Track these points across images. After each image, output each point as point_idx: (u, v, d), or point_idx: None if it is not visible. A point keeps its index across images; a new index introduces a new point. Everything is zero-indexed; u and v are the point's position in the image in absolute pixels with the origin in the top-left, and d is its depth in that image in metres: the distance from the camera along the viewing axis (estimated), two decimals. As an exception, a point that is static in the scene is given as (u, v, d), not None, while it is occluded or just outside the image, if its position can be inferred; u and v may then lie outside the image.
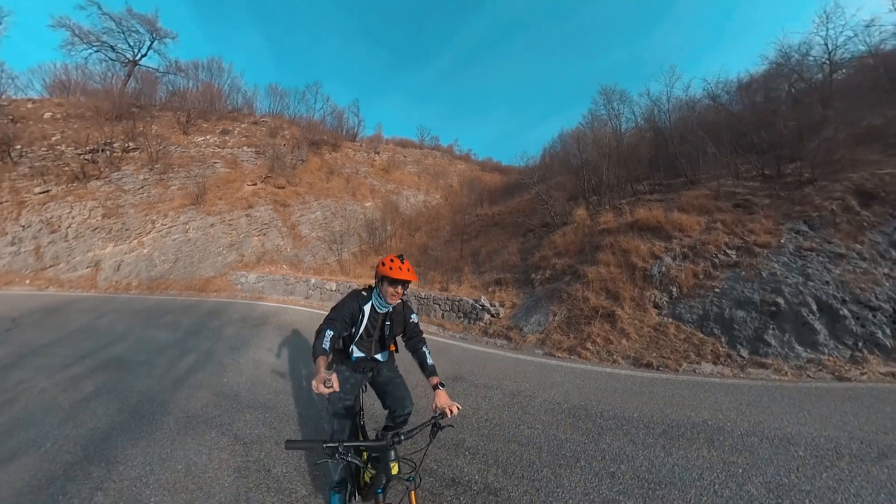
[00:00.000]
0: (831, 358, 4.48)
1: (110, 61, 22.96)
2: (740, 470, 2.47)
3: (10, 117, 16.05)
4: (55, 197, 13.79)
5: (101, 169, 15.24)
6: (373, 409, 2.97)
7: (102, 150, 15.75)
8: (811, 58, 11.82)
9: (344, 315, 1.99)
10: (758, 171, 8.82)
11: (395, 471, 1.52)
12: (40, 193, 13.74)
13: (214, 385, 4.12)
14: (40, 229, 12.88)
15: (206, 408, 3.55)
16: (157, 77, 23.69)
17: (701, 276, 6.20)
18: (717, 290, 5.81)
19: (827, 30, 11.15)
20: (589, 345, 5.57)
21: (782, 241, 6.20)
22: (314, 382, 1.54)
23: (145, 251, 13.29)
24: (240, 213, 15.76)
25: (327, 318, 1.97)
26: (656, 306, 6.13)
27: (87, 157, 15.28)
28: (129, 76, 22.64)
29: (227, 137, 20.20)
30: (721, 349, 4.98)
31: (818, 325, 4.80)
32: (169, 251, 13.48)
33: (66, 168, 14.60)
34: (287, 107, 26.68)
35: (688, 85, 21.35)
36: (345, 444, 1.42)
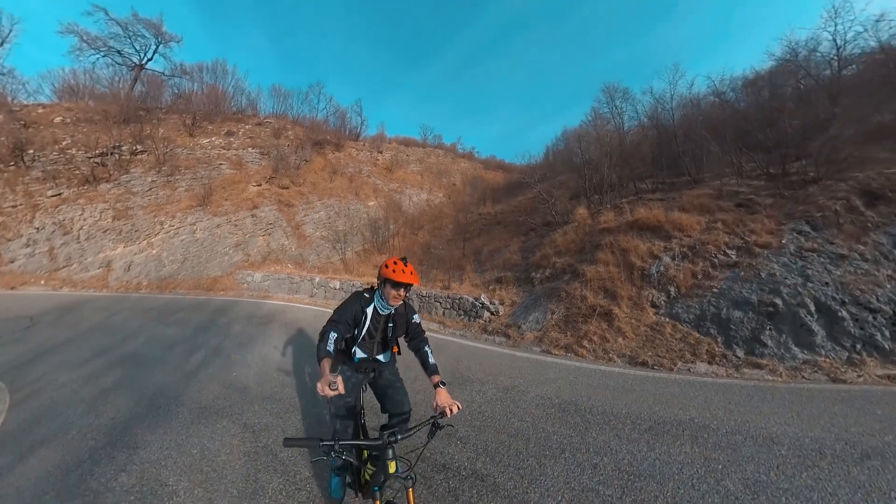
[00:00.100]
0: (828, 360, 4.47)
1: (117, 66, 23.42)
2: (720, 466, 2.53)
3: (22, 122, 16.47)
4: (67, 200, 14.17)
5: (111, 172, 15.60)
6: (375, 407, 3.12)
7: (111, 154, 16.11)
8: (819, 54, 11.57)
9: (347, 317, 2.00)
10: (762, 170, 8.73)
11: (392, 469, 1.54)
12: (53, 196, 14.13)
13: (224, 379, 4.33)
14: (53, 231, 13.27)
15: (217, 399, 3.76)
16: (163, 80, 24.09)
17: (700, 276, 6.21)
18: (715, 290, 5.81)
19: (835, 25, 10.91)
20: (585, 343, 5.65)
21: (783, 241, 6.16)
22: (319, 385, 1.57)
23: (154, 252, 13.62)
24: (245, 214, 16.05)
25: (330, 321, 1.99)
26: (654, 306, 6.17)
27: (96, 160, 15.65)
28: (135, 80, 23.03)
29: (231, 139, 20.51)
30: (717, 349, 5.01)
31: (816, 327, 4.79)
32: (177, 251, 13.80)
33: (77, 171, 14.98)
34: (290, 107, 26.97)
35: (691, 82, 21.08)
36: (341, 442, 1.45)
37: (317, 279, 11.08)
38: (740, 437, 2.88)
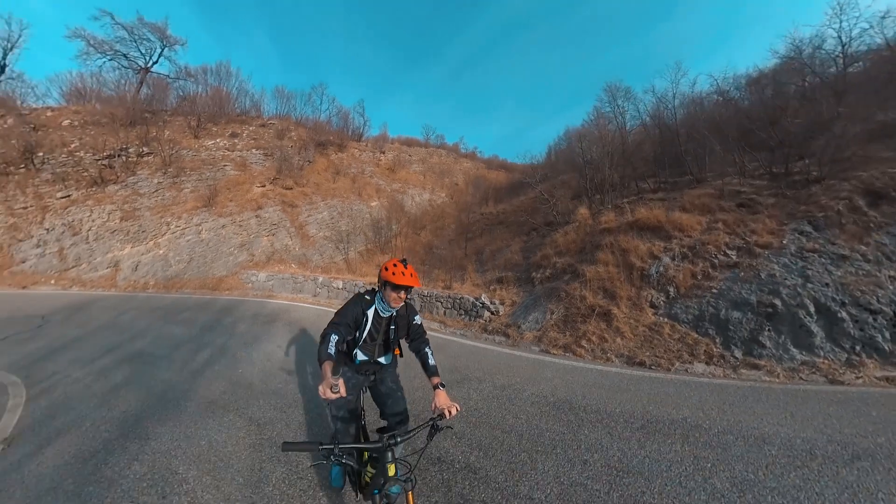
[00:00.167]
0: (826, 361, 4.44)
1: (123, 69, 23.75)
2: (709, 465, 2.56)
3: (32, 126, 16.79)
4: (76, 201, 14.45)
5: (118, 174, 15.87)
6: (374, 408, 3.16)
7: (118, 156, 16.38)
8: (823, 51, 11.36)
9: (348, 319, 1.99)
10: (765, 169, 8.64)
11: (391, 472, 1.54)
12: (62, 198, 14.41)
13: (230, 375, 4.47)
14: (63, 232, 13.54)
15: (223, 394, 3.90)
16: (168, 83, 24.37)
17: (699, 277, 6.20)
18: (714, 290, 5.79)
19: (840, 22, 10.72)
20: (584, 343, 5.67)
21: (784, 241, 6.12)
22: (321, 388, 1.57)
23: (161, 252, 13.85)
24: (250, 215, 16.25)
25: (331, 323, 1.98)
26: (653, 306, 6.18)
27: (104, 162, 15.93)
28: (141, 83, 23.35)
29: (236, 140, 20.74)
30: (715, 350, 5.01)
31: (815, 328, 4.77)
32: (183, 252, 14.01)
33: (86, 173, 15.26)
34: (294, 108, 27.19)
35: (694, 81, 21.00)
36: (341, 446, 1.45)
37: (320, 279, 11.22)
38: (731, 437, 2.90)
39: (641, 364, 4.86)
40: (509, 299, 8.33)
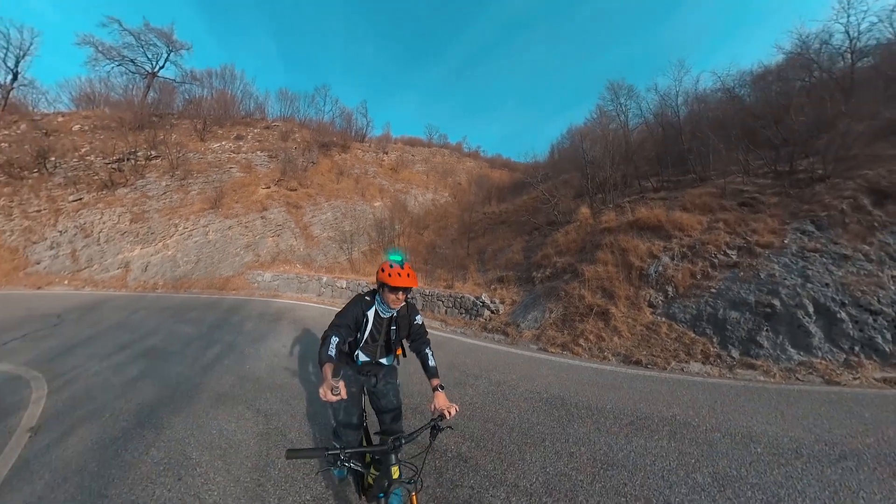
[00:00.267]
0: (824, 361, 4.41)
1: (131, 74, 24.25)
2: (693, 460, 2.60)
3: (44, 131, 17.25)
4: (87, 204, 14.84)
5: (127, 177, 16.25)
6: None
7: (127, 159, 16.78)
8: (831, 46, 11.13)
9: (348, 321, 1.98)
10: (770, 168, 8.55)
11: (396, 474, 1.54)
12: (74, 201, 14.82)
13: (238, 370, 4.67)
14: (75, 234, 13.92)
15: (232, 388, 4.10)
16: (175, 87, 24.83)
17: (698, 277, 6.20)
18: (713, 290, 5.79)
19: (848, 16, 10.52)
20: (581, 341, 5.71)
21: (786, 241, 6.08)
22: (321, 390, 1.56)
23: (169, 253, 14.18)
24: (255, 216, 16.54)
25: (332, 325, 1.96)
26: (651, 305, 6.20)
27: (113, 166, 16.33)
28: (148, 87, 23.81)
29: (241, 143, 21.07)
30: (712, 349, 5.01)
31: (813, 328, 4.75)
32: (191, 252, 14.33)
33: (96, 177, 15.66)
34: (297, 110, 27.58)
35: (697, 79, 20.85)
36: (347, 451, 1.45)
37: (324, 279, 11.43)
38: (718, 435, 2.93)
39: (638, 363, 4.91)
40: (509, 298, 8.42)
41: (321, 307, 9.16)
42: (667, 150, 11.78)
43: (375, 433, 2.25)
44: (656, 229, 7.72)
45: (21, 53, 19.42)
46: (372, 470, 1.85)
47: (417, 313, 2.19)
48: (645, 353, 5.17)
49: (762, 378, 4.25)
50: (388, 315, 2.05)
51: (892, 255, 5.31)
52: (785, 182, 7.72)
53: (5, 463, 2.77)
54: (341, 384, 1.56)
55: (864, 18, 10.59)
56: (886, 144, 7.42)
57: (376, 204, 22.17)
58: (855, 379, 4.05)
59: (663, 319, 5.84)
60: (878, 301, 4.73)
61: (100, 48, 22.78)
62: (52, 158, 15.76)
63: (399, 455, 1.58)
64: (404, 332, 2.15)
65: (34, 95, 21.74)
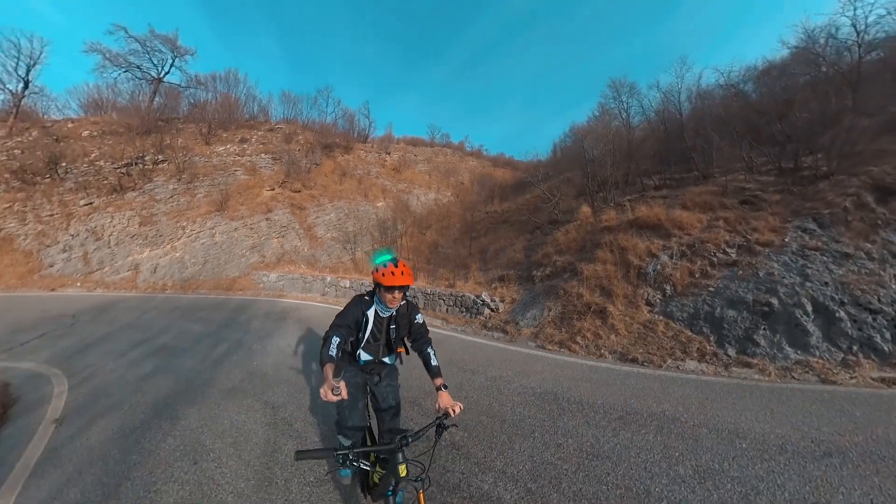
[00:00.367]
0: (820, 360, 4.38)
1: (137, 80, 24.70)
2: (677, 454, 2.65)
3: (55, 137, 17.68)
4: (97, 208, 15.23)
5: (136, 181, 16.63)
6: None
7: (135, 164, 17.15)
8: (837, 40, 10.86)
9: (349, 321, 1.99)
10: (774, 165, 8.42)
11: (403, 473, 1.54)
12: (85, 205, 15.21)
13: (246, 366, 4.89)
14: (87, 237, 14.30)
15: (241, 382, 4.31)
16: (180, 92, 25.25)
17: (697, 275, 6.19)
18: (711, 289, 5.77)
19: (854, 9, 10.21)
20: (579, 339, 5.76)
21: (786, 239, 6.02)
22: (322, 390, 1.58)
23: (177, 255, 14.50)
24: (260, 218, 16.83)
25: (333, 325, 1.98)
26: (649, 304, 6.22)
27: (122, 170, 16.71)
28: (154, 93, 24.23)
29: (245, 146, 21.40)
30: (708, 347, 5.01)
31: (811, 327, 4.72)
32: (198, 254, 14.64)
33: (106, 181, 16.05)
34: (300, 112, 27.93)
35: (699, 75, 20.54)
36: (355, 450, 1.47)
37: (328, 279, 11.64)
38: (705, 430, 2.97)
39: (634, 360, 4.94)
40: (509, 297, 8.50)
41: (325, 306, 9.37)
42: (669, 147, 11.64)
43: (378, 432, 2.31)
44: (656, 228, 7.70)
45: (31, 62, 19.90)
46: (378, 468, 1.86)
47: (418, 312, 2.18)
48: (641, 351, 5.20)
49: (757, 376, 4.25)
50: (387, 314, 2.06)
51: (895, 253, 5.22)
52: (788, 179, 7.63)
53: (35, 450, 3.01)
54: (342, 384, 1.59)
55: (871, 11, 10.29)
56: (893, 139, 7.28)
57: (379, 204, 22.36)
58: (851, 378, 4.01)
59: (660, 318, 5.85)
60: (879, 300, 4.67)
61: (107, 55, 23.27)
62: (63, 164, 16.17)
63: (406, 453, 1.60)
64: (404, 331, 2.15)
65: (44, 103, 22.29)
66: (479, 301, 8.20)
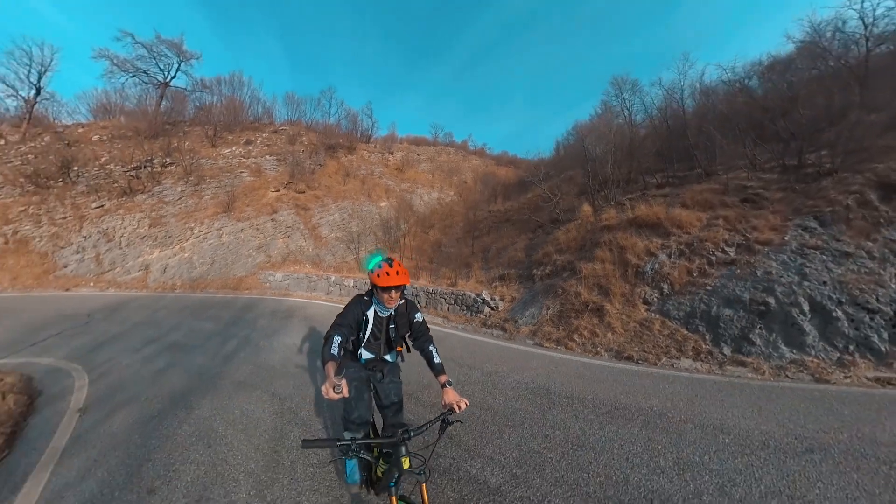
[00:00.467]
0: (816, 360, 4.37)
1: (144, 84, 25.20)
2: (660, 447, 2.72)
3: (66, 142, 18.15)
4: (109, 210, 15.64)
5: (145, 184, 17.03)
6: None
7: (144, 167, 17.56)
8: (844, 33, 10.61)
9: (349, 321, 2.01)
10: (777, 162, 8.29)
11: (406, 465, 1.56)
12: (96, 208, 15.63)
13: (254, 361, 5.12)
14: (99, 239, 14.71)
15: (250, 376, 4.54)
16: (186, 95, 25.69)
17: (695, 274, 6.19)
18: (708, 287, 5.76)
19: (862, 1, 9.92)
20: (576, 337, 5.85)
21: (786, 238, 5.97)
22: (324, 388, 1.60)
23: (186, 255, 14.86)
24: (266, 218, 17.15)
25: (334, 325, 1.99)
26: (646, 302, 6.26)
27: (132, 173, 17.13)
28: (161, 97, 24.69)
29: (250, 148, 21.74)
30: (703, 346, 5.02)
31: (808, 327, 4.69)
32: (206, 254, 14.99)
33: (116, 185, 16.46)
34: (304, 114, 28.28)
35: (702, 71, 20.26)
36: (358, 441, 1.52)
37: (332, 278, 11.88)
38: (690, 426, 3.01)
39: (629, 358, 4.99)
40: (509, 295, 8.60)
41: (330, 305, 9.59)
42: (672, 144, 11.50)
43: (381, 427, 2.36)
44: (655, 227, 7.71)
45: (43, 69, 20.41)
46: (381, 462, 1.90)
47: (417, 311, 2.19)
48: (637, 349, 5.25)
49: (750, 375, 4.24)
50: (386, 314, 2.08)
51: (896, 251, 5.09)
52: (791, 177, 7.55)
53: (62, 436, 3.25)
54: (343, 382, 1.61)
55: (879, 3, 9.96)
56: (898, 136, 7.05)
57: (382, 204, 22.58)
58: (846, 378, 3.99)
59: (657, 316, 5.88)
60: (877, 299, 4.63)
61: (115, 61, 23.77)
62: (75, 168, 16.62)
63: (409, 447, 1.62)
64: (404, 330, 2.17)
65: (55, 108, 22.86)
66: (479, 299, 8.35)
